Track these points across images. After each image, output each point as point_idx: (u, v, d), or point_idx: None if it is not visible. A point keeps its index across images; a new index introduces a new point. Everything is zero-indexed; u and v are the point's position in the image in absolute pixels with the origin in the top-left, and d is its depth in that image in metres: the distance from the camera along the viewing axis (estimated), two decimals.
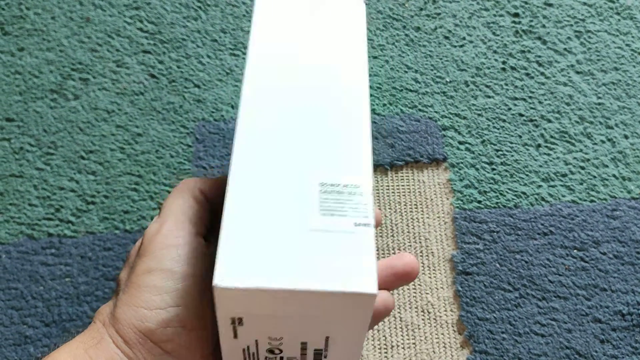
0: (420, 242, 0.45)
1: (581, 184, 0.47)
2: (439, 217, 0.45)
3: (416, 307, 0.42)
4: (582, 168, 0.47)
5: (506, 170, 0.47)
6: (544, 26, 0.53)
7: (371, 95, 0.50)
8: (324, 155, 0.25)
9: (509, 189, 0.46)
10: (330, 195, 0.24)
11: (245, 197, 0.24)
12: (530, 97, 0.50)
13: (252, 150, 0.26)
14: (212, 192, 0.32)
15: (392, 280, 0.31)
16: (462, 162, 0.47)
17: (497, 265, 0.43)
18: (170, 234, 0.29)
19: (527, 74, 0.51)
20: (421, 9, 0.54)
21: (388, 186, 0.47)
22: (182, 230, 0.29)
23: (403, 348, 0.41)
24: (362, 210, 0.23)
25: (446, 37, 0.53)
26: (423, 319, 0.42)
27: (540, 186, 0.46)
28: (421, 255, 0.44)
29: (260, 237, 0.23)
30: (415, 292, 0.43)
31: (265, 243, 0.23)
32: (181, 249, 0.28)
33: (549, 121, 0.49)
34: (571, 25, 0.53)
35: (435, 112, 0.49)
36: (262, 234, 0.23)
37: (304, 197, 0.24)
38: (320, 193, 0.24)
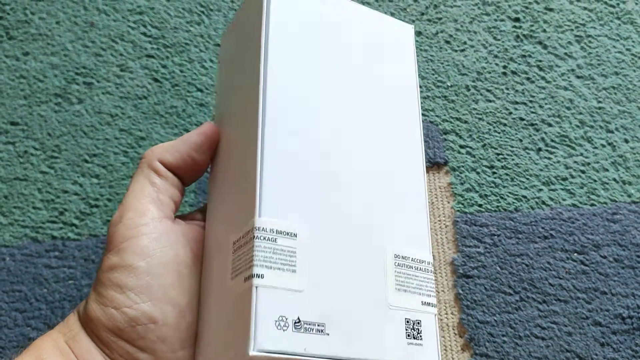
0: None
1: (582, 187, 0.47)
2: (440, 220, 0.46)
3: None
4: (583, 172, 0.47)
5: (507, 174, 0.47)
6: (544, 31, 0.54)
7: None
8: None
9: (509, 192, 0.46)
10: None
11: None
12: (530, 101, 0.50)
13: (214, 196, 0.31)
14: (174, 157, 0.30)
15: None
16: (463, 166, 0.47)
17: (498, 268, 0.44)
18: (131, 224, 0.27)
19: (528, 78, 0.51)
20: (422, 14, 0.54)
21: None
22: (145, 217, 0.27)
23: None
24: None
25: (447, 42, 0.53)
26: None
27: (540, 190, 0.47)
28: None
29: None
30: None
31: None
32: (144, 239, 0.27)
33: (550, 125, 0.49)
34: (572, 29, 0.54)
35: (437, 116, 0.49)
36: None
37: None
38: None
